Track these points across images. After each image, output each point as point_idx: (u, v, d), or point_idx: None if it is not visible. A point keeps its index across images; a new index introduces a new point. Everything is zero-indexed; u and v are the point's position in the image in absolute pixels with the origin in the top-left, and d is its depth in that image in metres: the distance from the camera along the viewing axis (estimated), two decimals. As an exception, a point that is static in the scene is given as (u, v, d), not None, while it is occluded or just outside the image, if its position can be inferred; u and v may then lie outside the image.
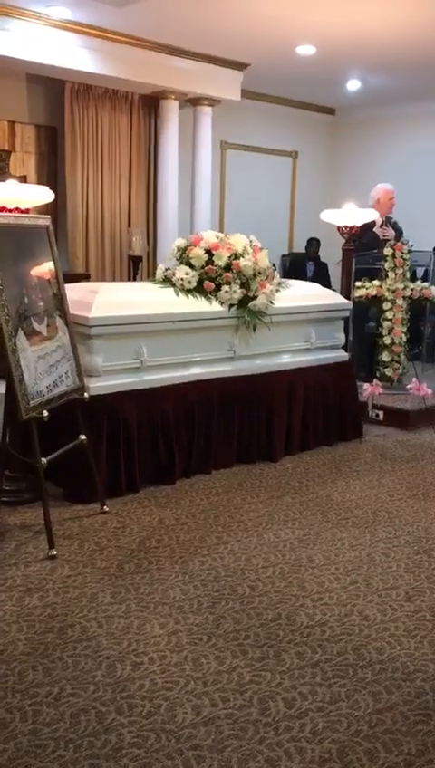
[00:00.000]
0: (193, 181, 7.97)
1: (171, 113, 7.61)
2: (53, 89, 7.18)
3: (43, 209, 4.76)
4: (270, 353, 4.80)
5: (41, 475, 3.31)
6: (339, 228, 5.53)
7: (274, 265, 4.87)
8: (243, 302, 4.48)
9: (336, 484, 4.30)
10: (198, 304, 4.36)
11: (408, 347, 6.19)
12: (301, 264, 9.11)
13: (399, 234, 6.45)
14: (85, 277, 7.11)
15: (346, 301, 5.35)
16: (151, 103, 7.70)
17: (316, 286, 5.41)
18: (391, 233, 6.42)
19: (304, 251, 9.29)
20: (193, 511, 3.82)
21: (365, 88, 8.42)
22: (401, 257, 5.98)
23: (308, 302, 4.97)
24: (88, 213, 7.43)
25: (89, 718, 2.18)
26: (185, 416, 4.25)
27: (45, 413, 3.30)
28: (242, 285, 4.46)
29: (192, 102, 7.78)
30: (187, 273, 4.39)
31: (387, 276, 5.98)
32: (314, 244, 9.12)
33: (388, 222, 6.56)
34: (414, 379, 5.66)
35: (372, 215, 5.77)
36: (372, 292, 5.96)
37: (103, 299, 4.00)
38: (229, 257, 4.43)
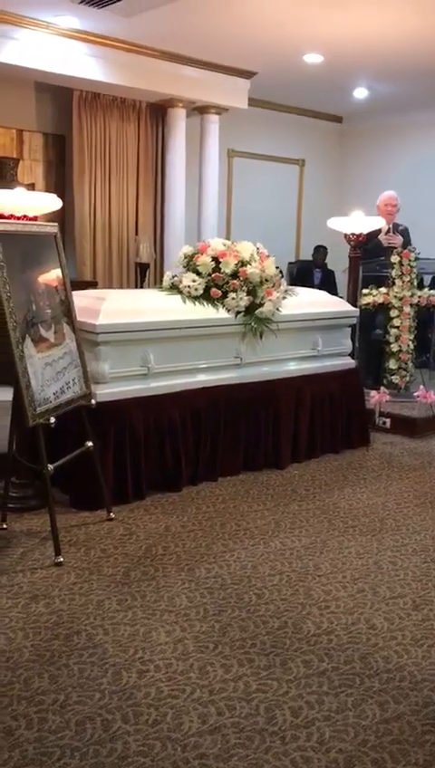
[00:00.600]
0: (200, 189, 7.99)
1: (179, 121, 7.64)
2: (61, 97, 7.23)
3: (50, 217, 4.76)
4: (277, 360, 4.79)
5: (47, 482, 3.31)
6: (346, 236, 5.54)
7: (281, 272, 4.88)
8: (250, 310, 4.49)
9: (343, 492, 4.29)
10: (204, 311, 4.37)
11: (415, 354, 6.18)
12: (308, 272, 9.11)
13: (407, 242, 6.45)
14: (93, 285, 7.13)
15: (353, 308, 5.35)
16: (159, 111, 7.74)
17: (323, 293, 5.40)
18: (398, 240, 6.42)
19: (310, 258, 9.29)
20: (199, 518, 3.82)
21: (373, 96, 8.43)
22: (409, 265, 5.98)
23: (315, 309, 4.97)
24: (95, 220, 7.46)
25: (95, 726, 2.17)
26: (191, 423, 4.25)
27: (52, 419, 3.31)
28: (249, 292, 4.46)
29: (199, 110, 7.81)
30: (194, 281, 4.40)
31: (394, 284, 5.98)
32: (320, 251, 9.12)
33: (395, 229, 6.56)
34: (421, 387, 5.65)
35: (378, 222, 5.78)
36: (379, 299, 5.97)
37: (111, 306, 4.01)
38: (236, 264, 4.44)
